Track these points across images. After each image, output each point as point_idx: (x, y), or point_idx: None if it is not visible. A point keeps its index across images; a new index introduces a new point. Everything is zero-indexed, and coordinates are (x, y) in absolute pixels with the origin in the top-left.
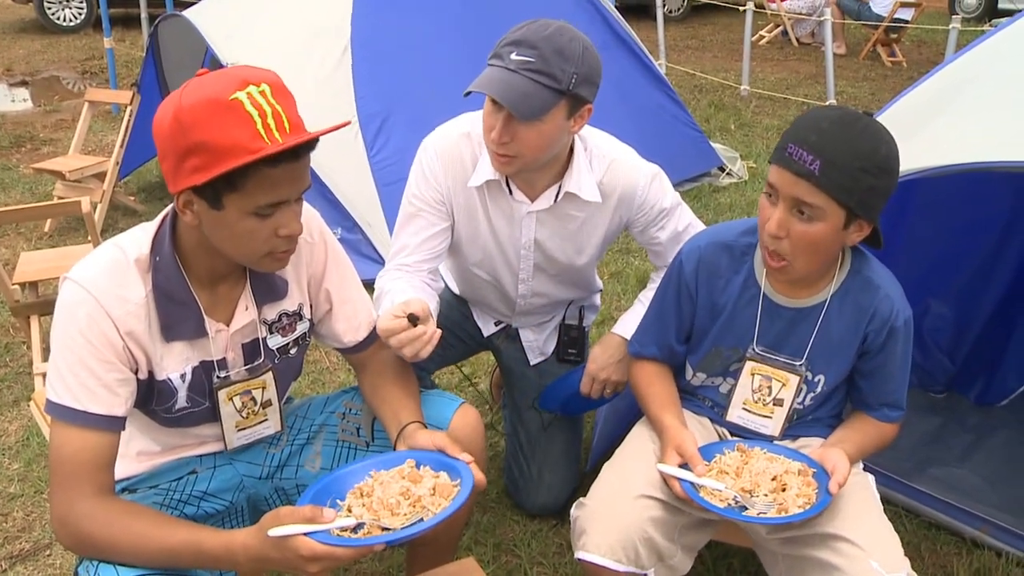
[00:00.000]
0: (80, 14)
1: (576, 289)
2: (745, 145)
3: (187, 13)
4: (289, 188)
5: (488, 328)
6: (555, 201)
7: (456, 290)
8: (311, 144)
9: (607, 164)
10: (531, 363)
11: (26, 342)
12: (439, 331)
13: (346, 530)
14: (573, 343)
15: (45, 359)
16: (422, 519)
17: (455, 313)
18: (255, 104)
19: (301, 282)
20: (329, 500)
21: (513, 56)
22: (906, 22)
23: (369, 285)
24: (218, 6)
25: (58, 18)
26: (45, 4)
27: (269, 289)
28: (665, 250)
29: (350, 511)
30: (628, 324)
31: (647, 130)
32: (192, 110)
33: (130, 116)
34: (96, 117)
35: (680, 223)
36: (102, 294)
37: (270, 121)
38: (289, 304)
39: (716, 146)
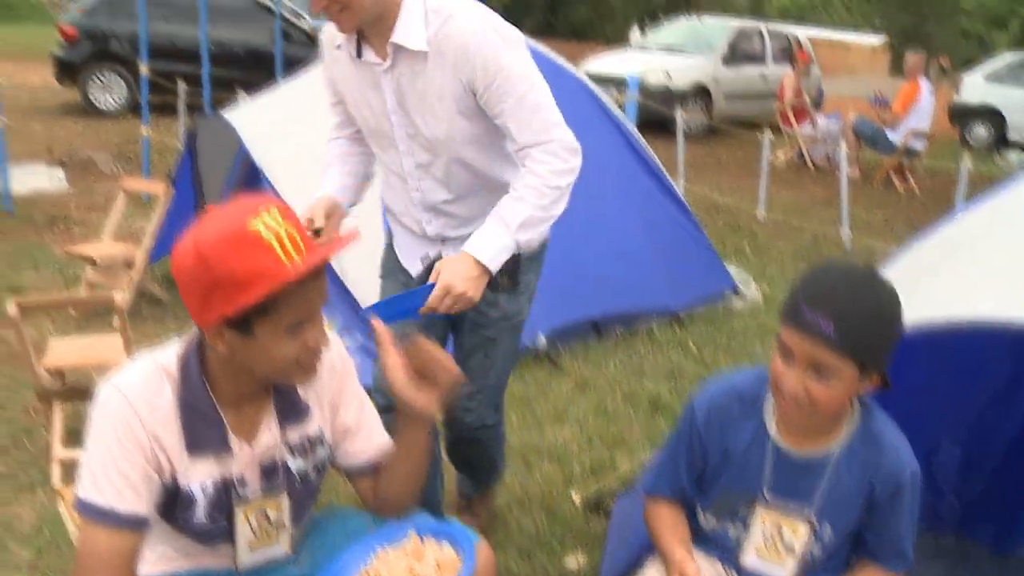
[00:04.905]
0: (120, 99)
1: (484, 192)
2: (759, 269)
3: (227, 115)
4: (314, 304)
5: (415, 267)
6: (390, 55)
7: (385, 203)
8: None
9: (444, 18)
10: None
11: (46, 427)
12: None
13: None
14: (506, 270)
15: (65, 445)
16: None
17: (391, 261)
18: (271, 229)
19: (323, 406)
20: None
21: None
22: (918, 152)
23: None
24: (258, 108)
25: (99, 102)
26: (88, 88)
27: (292, 411)
28: (515, 132)
29: None
30: (481, 245)
31: (664, 247)
32: (214, 245)
33: (163, 208)
34: (128, 202)
35: (526, 96)
36: (135, 397)
37: (287, 244)
38: (311, 428)
39: (730, 268)
